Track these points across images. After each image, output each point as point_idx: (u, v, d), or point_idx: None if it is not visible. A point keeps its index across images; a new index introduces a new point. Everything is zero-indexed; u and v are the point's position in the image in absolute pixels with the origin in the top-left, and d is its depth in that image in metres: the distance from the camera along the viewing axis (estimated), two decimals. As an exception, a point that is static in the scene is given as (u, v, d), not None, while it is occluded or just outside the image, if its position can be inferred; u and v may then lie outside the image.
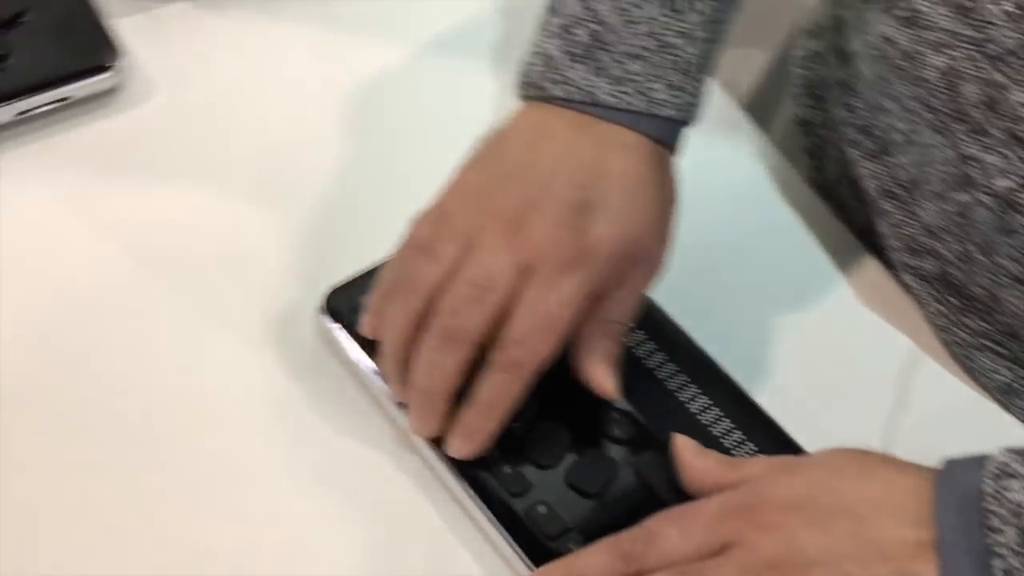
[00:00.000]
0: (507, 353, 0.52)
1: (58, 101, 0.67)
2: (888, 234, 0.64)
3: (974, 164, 0.55)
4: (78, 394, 0.58)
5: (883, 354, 0.63)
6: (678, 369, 0.59)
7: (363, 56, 0.73)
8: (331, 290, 0.60)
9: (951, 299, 0.62)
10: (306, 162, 0.68)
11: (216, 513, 0.55)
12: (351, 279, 0.61)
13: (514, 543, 0.53)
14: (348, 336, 0.59)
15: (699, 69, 0.57)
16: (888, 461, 0.49)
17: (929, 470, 0.47)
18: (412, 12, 0.75)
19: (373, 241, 0.60)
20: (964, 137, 0.55)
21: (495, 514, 0.54)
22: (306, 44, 0.74)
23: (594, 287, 0.53)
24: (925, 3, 0.55)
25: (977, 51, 0.53)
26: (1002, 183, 0.55)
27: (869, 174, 0.65)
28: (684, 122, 0.57)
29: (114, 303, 0.62)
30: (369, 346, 0.58)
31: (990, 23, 0.52)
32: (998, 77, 0.53)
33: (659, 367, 0.59)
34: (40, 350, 0.60)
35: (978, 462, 0.46)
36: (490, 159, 0.56)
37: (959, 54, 0.54)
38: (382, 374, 0.57)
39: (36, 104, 0.66)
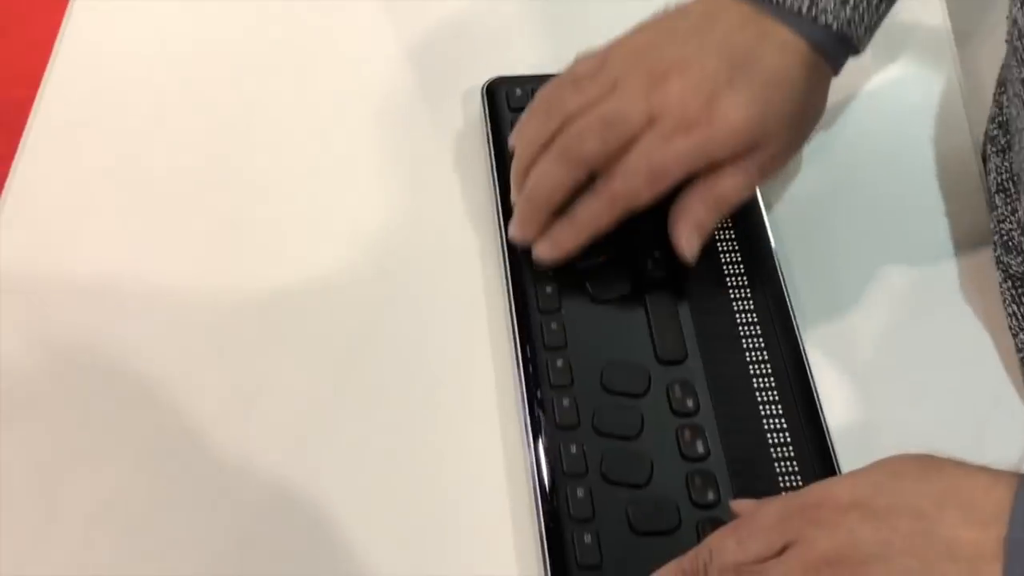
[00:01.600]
0: (610, 184, 0.59)
1: None
2: (993, 230, 0.63)
3: None
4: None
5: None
6: (769, 366, 0.58)
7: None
8: (497, 78, 0.69)
9: None
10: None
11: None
12: (519, 76, 0.69)
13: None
14: (489, 122, 0.67)
15: None
16: (955, 462, 0.48)
17: (1005, 472, 0.46)
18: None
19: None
20: None
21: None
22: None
23: (706, 155, 0.58)
24: None
25: None
26: None
27: (994, 168, 0.64)
28: (847, 39, 0.59)
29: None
30: (498, 140, 0.66)
31: None
32: None
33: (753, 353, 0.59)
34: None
35: None
36: (661, 27, 0.62)
37: None
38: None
39: None
